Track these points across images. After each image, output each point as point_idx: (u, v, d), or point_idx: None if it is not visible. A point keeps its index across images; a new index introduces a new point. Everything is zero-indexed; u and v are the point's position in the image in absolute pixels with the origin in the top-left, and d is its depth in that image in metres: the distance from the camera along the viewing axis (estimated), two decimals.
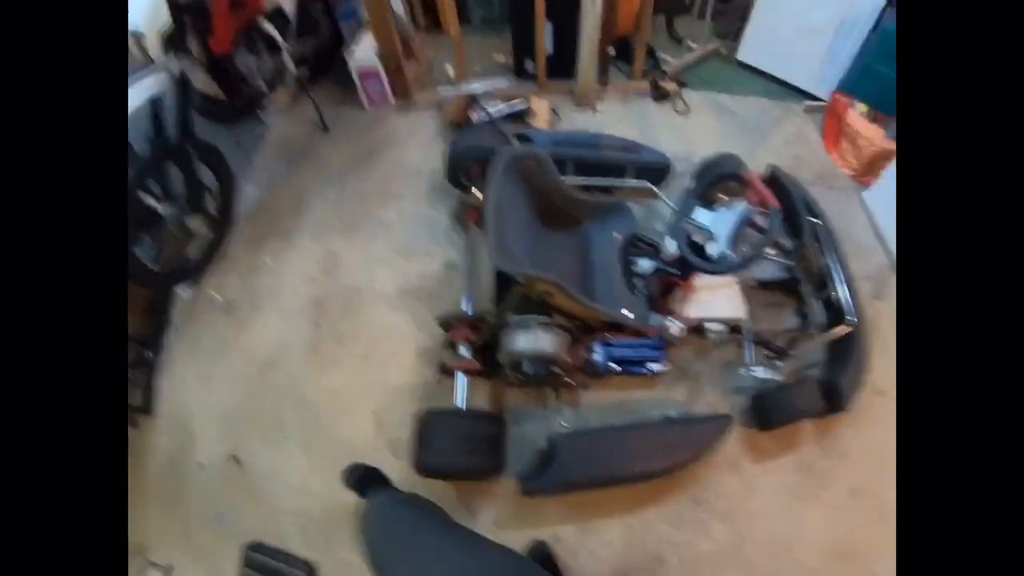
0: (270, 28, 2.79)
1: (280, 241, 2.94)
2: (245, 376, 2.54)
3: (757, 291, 2.44)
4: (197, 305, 2.79)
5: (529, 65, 3.26)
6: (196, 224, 2.70)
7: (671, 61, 3.37)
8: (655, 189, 2.60)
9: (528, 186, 2.26)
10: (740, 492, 2.12)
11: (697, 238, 2.17)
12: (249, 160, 3.27)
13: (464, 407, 2.10)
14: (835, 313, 2.22)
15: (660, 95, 3.23)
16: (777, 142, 3.03)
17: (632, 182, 2.64)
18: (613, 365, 2.17)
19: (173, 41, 2.24)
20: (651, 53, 3.35)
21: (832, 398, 2.11)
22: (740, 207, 2.06)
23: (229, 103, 2.78)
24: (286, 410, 2.41)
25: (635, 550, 2.03)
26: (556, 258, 2.29)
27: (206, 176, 2.70)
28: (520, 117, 3.09)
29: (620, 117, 3.19)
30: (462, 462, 1.95)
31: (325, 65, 3.48)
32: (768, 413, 2.13)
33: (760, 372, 2.22)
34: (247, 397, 2.48)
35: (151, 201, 2.49)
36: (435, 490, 2.07)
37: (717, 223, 2.11)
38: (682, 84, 3.26)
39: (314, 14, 3.26)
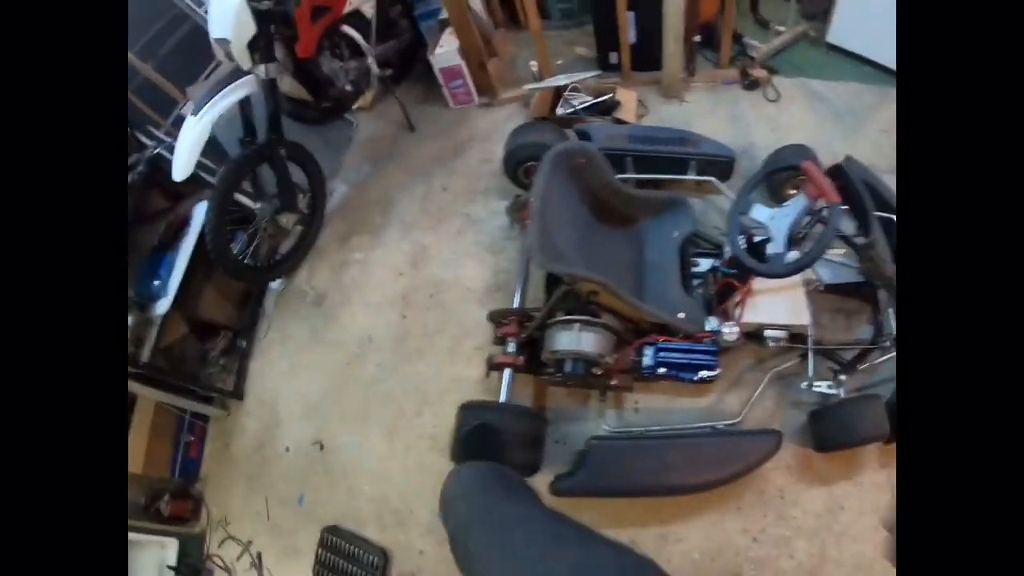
0: (352, 32, 2.84)
1: (369, 236, 2.98)
2: (332, 366, 2.60)
3: (826, 295, 2.12)
4: (289, 297, 2.90)
5: (613, 57, 3.12)
6: (288, 221, 2.79)
7: (759, 46, 3.10)
8: (720, 184, 2.40)
9: (579, 183, 2.19)
10: (826, 510, 1.89)
11: (758, 236, 1.93)
12: (338, 159, 3.36)
13: (506, 402, 2.01)
14: None
15: (749, 83, 2.99)
16: (872, 130, 2.69)
17: (695, 177, 2.47)
18: (661, 369, 2.00)
19: (259, 48, 2.32)
20: (738, 39, 3.11)
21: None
22: (799, 202, 1.81)
23: (316, 105, 2.85)
24: (370, 400, 2.44)
25: (714, 563, 1.87)
26: (607, 256, 2.18)
27: (297, 175, 2.79)
28: (607, 110, 2.98)
29: (709, 108, 2.99)
30: (500, 456, 1.87)
31: (408, 66, 3.50)
32: (825, 433, 1.88)
33: (823, 387, 1.94)
34: (333, 386, 2.53)
35: (245, 200, 2.61)
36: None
37: (776, 220, 1.86)
38: (772, 71, 3.01)
39: (394, 16, 3.29)
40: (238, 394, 2.62)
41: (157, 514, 2.28)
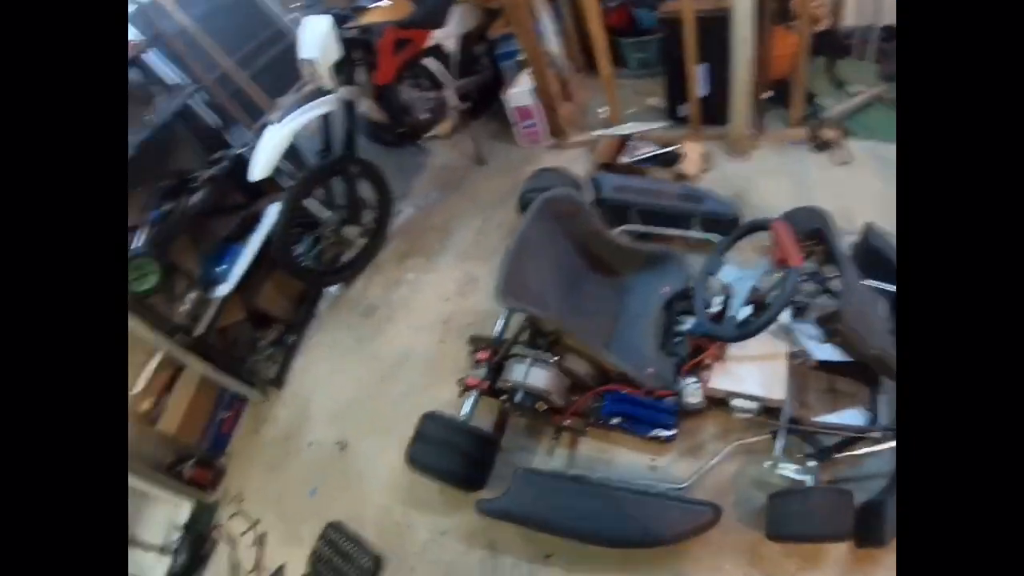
0: (433, 65, 3.02)
1: (424, 259, 3.08)
2: (368, 376, 2.67)
3: (819, 373, 1.93)
4: (342, 305, 3.03)
5: (683, 109, 3.11)
6: (351, 233, 2.95)
7: (832, 107, 2.99)
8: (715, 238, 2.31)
9: (570, 230, 2.21)
10: None
11: (719, 298, 1.86)
12: (408, 182, 3.52)
13: (467, 420, 2.05)
14: None
15: (819, 144, 2.86)
16: None
17: (696, 234, 2.39)
18: (616, 419, 1.94)
19: (343, 70, 2.52)
20: (810, 99, 2.99)
21: (869, 525, 1.56)
22: (762, 264, 1.72)
23: (393, 129, 3.04)
24: (397, 413, 2.44)
25: None
26: (588, 303, 2.20)
27: (366, 192, 2.96)
28: (670, 162, 2.95)
29: (774, 167, 2.87)
30: (445, 465, 1.97)
31: (486, 102, 3.64)
32: (780, 520, 1.64)
33: (789, 470, 1.71)
34: (365, 395, 2.59)
35: (315, 207, 2.78)
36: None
37: (740, 282, 1.78)
38: (845, 132, 2.88)
39: (477, 54, 3.46)
40: (278, 384, 2.74)
41: (179, 475, 2.41)
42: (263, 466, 2.54)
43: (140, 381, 2.38)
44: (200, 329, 2.43)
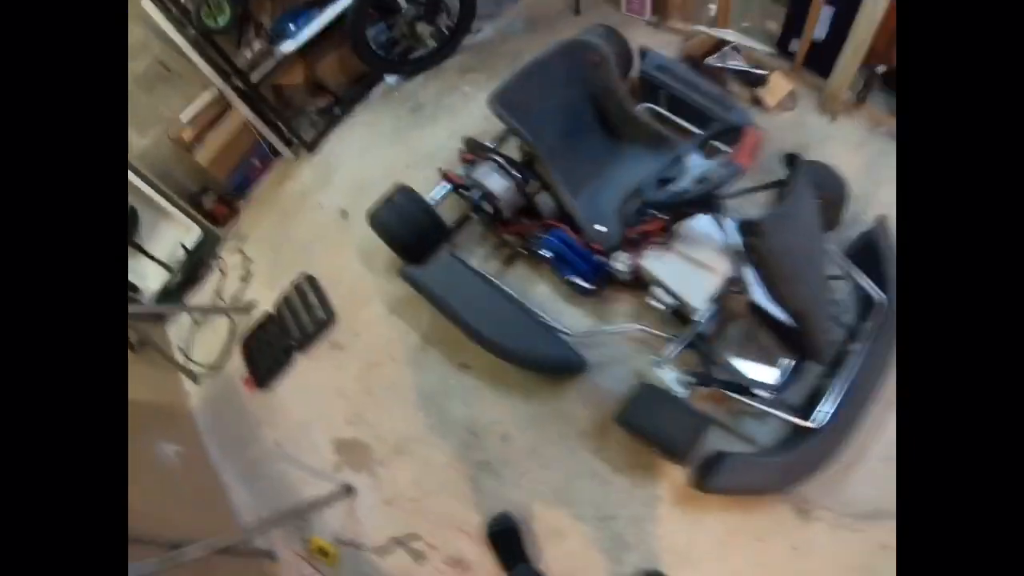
0: None
1: (485, 78, 3.07)
2: (395, 161, 2.87)
3: (752, 319, 1.96)
4: (394, 96, 3.17)
5: (794, 44, 2.83)
6: (424, 32, 2.98)
7: None
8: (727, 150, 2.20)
9: (587, 77, 2.21)
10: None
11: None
12: (501, 6, 3.40)
13: (431, 203, 2.30)
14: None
15: None
16: None
17: (705, 135, 2.29)
18: (547, 252, 2.11)
19: None
20: None
21: (706, 469, 1.72)
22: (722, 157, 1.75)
23: None
24: None
25: None
26: (579, 152, 2.24)
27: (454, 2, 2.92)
28: (754, 82, 2.75)
29: (854, 142, 2.63)
30: (395, 231, 2.23)
31: None
32: (633, 410, 1.77)
33: (668, 376, 1.80)
34: (386, 176, 2.68)
35: None
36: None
37: (695, 168, 1.82)
38: None
39: None
40: (312, 147, 3.01)
41: (199, 205, 2.78)
42: (274, 217, 2.92)
43: (189, 111, 2.66)
44: (255, 78, 2.63)
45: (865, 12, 2.31)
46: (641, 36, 3.12)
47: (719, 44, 2.83)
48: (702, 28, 2.91)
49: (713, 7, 2.89)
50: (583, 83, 2.22)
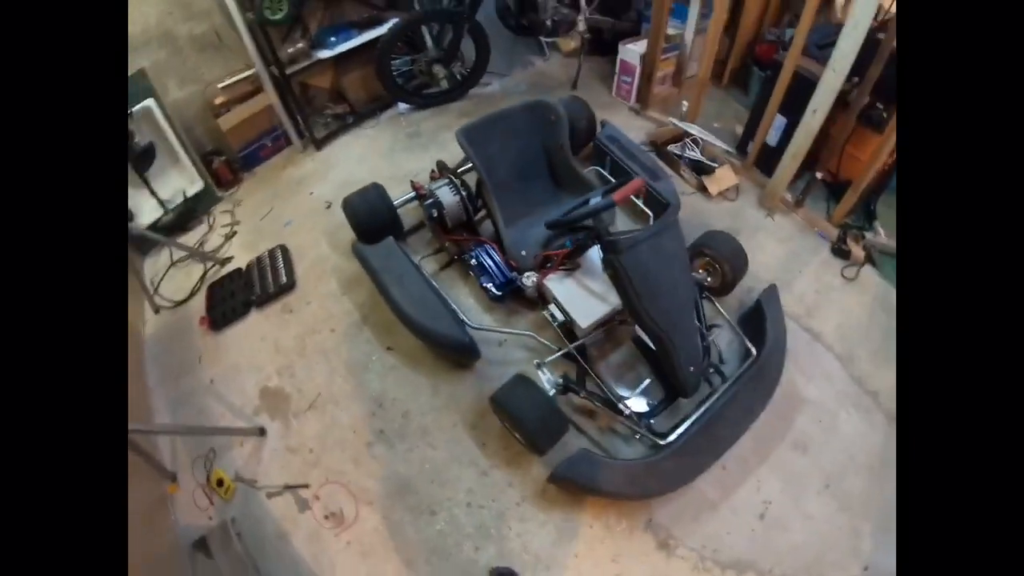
0: None
1: None
2: (385, 171, 3.24)
3: (632, 346, 2.36)
4: (400, 120, 3.61)
5: (751, 145, 3.19)
6: (439, 73, 3.44)
7: (880, 234, 2.92)
8: (652, 216, 2.64)
9: (544, 133, 2.60)
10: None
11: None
12: (509, 65, 3.88)
13: (394, 204, 2.68)
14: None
15: (840, 250, 2.85)
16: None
17: (639, 203, 2.72)
18: (473, 260, 2.57)
19: None
20: (870, 212, 2.95)
21: (570, 468, 1.91)
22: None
23: (516, 17, 3.37)
24: None
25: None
26: (525, 192, 2.59)
27: (469, 50, 3.38)
28: (700, 171, 3.12)
29: (784, 236, 2.90)
30: (360, 219, 2.58)
31: (612, 46, 3.73)
32: (505, 394, 2.03)
33: (543, 374, 2.12)
34: (370, 179, 2.89)
35: (425, 36, 3.27)
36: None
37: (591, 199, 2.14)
38: (870, 259, 2.84)
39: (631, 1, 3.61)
40: (319, 145, 3.40)
41: (209, 163, 3.13)
42: (269, 193, 3.28)
43: (227, 80, 3.05)
44: (290, 71, 3.05)
45: (804, 124, 2.67)
46: (621, 118, 3.53)
47: (683, 136, 3.22)
48: (673, 120, 3.30)
49: (685, 103, 3.28)
50: (540, 136, 2.61)
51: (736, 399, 2.05)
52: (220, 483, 2.23)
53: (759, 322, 2.27)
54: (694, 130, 3.19)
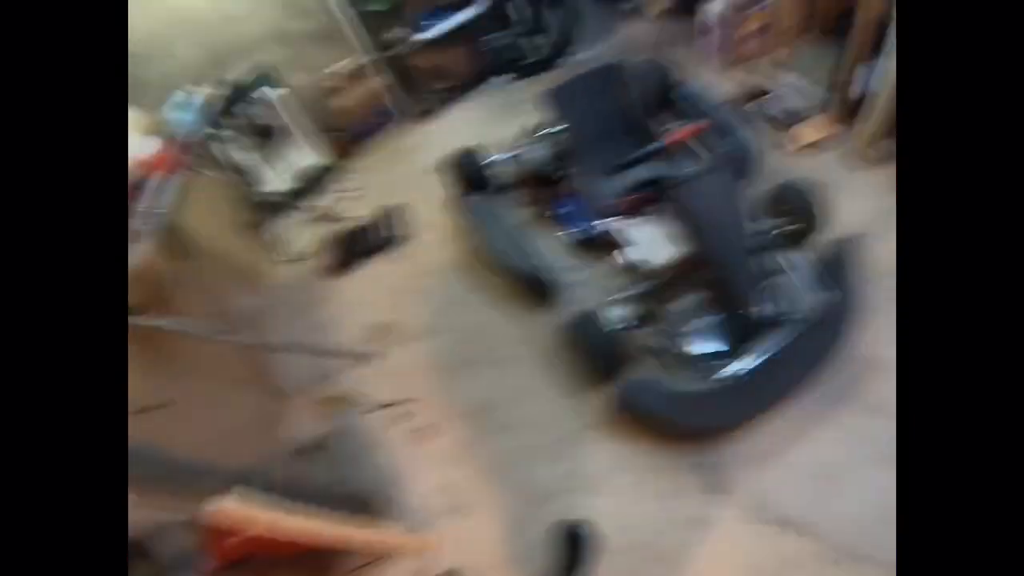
0: None
1: None
2: (480, 136, 3.33)
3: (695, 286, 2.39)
4: (498, 92, 3.91)
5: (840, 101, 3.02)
6: (528, 46, 3.68)
7: None
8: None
9: (618, 92, 2.80)
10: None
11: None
12: (599, 33, 3.94)
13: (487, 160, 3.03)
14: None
15: None
16: None
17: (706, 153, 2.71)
18: (562, 209, 2.83)
19: None
20: None
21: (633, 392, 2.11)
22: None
23: None
24: None
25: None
26: (604, 150, 2.69)
27: (553, 22, 3.60)
28: (786, 128, 3.05)
29: (873, 194, 2.72)
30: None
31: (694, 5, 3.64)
32: (574, 322, 2.28)
33: (614, 309, 2.29)
34: (471, 140, 3.21)
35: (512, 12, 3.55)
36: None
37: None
38: None
39: None
40: (423, 119, 3.83)
41: (329, 139, 3.61)
42: (382, 162, 3.75)
43: (339, 66, 3.46)
44: (392, 53, 3.46)
45: (891, 71, 2.48)
46: (706, 76, 3.47)
47: (766, 91, 3.18)
48: (758, 76, 3.24)
49: (774, 59, 3.20)
50: (615, 96, 2.80)
51: (798, 348, 2.09)
52: (329, 401, 2.67)
53: (834, 275, 2.25)
54: (781, 84, 3.11)
